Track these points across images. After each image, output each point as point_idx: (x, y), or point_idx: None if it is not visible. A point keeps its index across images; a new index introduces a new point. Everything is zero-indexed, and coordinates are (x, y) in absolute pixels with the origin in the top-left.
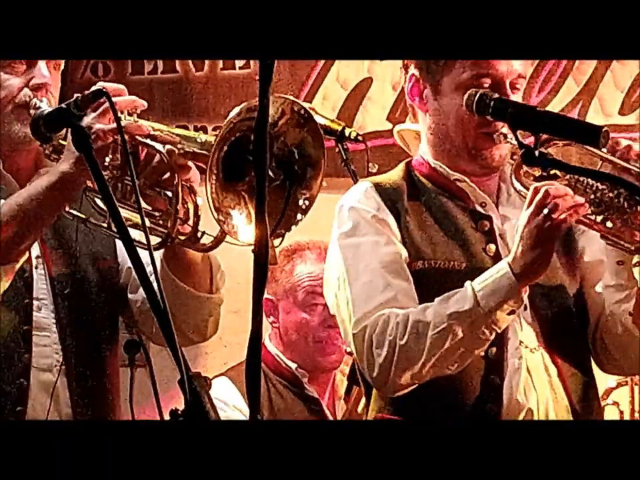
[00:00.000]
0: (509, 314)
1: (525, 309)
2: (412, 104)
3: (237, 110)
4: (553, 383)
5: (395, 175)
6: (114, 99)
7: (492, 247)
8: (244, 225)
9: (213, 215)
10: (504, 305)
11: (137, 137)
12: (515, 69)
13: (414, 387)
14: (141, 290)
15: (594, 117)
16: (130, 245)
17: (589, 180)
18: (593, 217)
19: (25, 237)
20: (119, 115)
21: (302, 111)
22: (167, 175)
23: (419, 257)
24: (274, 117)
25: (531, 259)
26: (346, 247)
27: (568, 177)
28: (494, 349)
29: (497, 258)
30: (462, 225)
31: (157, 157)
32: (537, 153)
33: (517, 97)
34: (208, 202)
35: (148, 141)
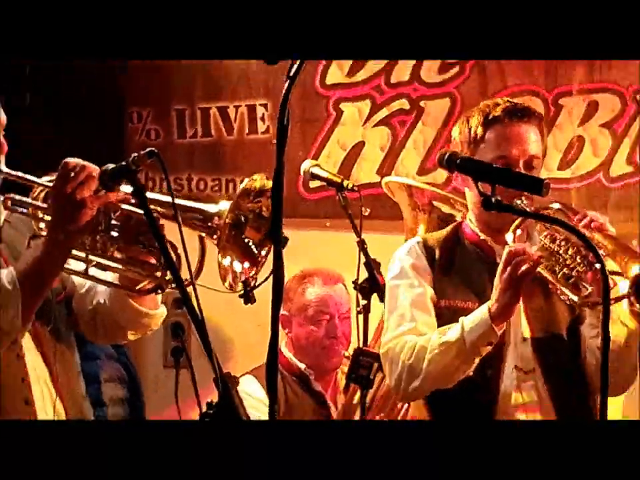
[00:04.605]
0: (487, 345)
1: (524, 340)
2: (457, 184)
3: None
4: (543, 403)
5: (442, 233)
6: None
7: None
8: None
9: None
10: (482, 338)
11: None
12: (527, 150)
13: (423, 396)
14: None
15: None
16: (178, 278)
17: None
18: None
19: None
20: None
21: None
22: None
23: (444, 296)
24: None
25: (502, 304)
26: (391, 287)
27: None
28: (489, 371)
29: None
30: (482, 275)
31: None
32: (493, 200)
33: (533, 174)
34: (219, 261)
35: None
